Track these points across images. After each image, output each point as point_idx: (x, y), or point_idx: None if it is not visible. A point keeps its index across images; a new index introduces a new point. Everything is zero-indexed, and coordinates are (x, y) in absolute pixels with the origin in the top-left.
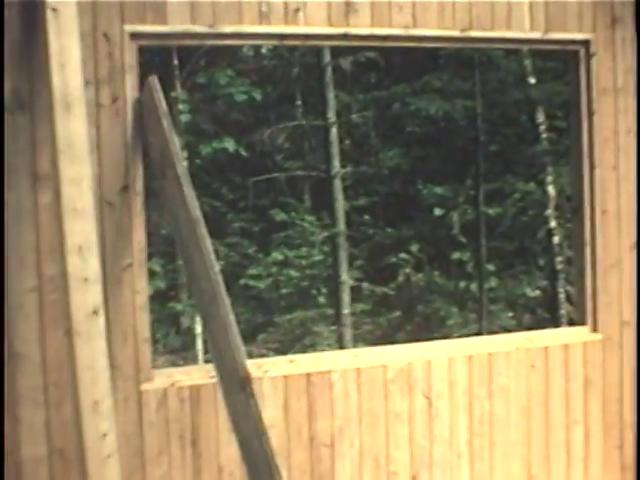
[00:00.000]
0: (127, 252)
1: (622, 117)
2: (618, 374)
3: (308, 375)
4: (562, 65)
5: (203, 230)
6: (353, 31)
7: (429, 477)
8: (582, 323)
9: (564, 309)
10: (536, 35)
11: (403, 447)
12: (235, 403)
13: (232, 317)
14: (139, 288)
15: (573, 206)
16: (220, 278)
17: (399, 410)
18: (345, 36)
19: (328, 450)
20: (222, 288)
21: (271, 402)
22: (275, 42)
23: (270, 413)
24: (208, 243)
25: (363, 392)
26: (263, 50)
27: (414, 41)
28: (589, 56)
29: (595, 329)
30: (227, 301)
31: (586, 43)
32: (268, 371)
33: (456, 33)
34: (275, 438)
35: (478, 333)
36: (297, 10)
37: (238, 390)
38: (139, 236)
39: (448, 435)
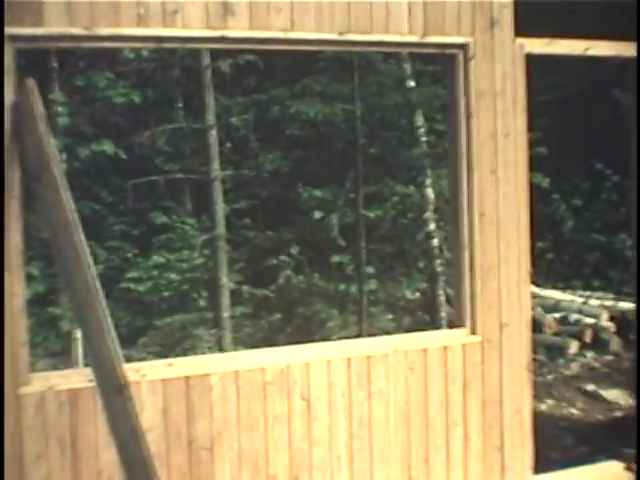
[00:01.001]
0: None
1: (500, 120)
2: (497, 376)
3: (187, 378)
4: (441, 68)
5: (79, 234)
6: (231, 34)
7: None
8: (461, 325)
9: (444, 311)
10: (414, 39)
11: (282, 450)
12: (112, 407)
13: (109, 321)
14: (16, 292)
15: (451, 209)
16: (97, 282)
17: (278, 413)
18: (223, 39)
19: (207, 453)
20: (99, 292)
21: (150, 405)
22: (153, 45)
23: (149, 416)
24: (84, 247)
25: (242, 395)
26: (144, 52)
27: (292, 44)
28: (467, 59)
29: (474, 331)
30: (104, 305)
31: (464, 47)
32: (146, 375)
33: (334, 36)
34: (154, 441)
35: (358, 335)
36: (175, 12)
37: (115, 394)
38: (15, 239)
39: (327, 437)
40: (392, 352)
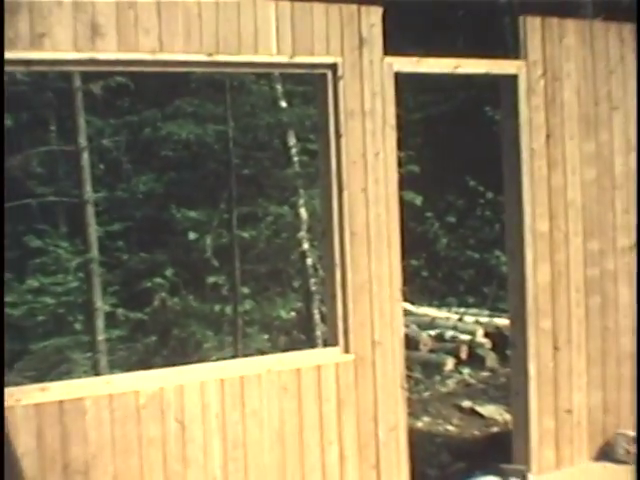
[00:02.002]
0: None
1: (370, 139)
2: (371, 394)
3: (60, 402)
4: (313, 88)
5: None
6: (99, 56)
7: None
8: (334, 344)
9: (319, 330)
10: (283, 59)
11: (157, 472)
12: None
13: None
14: None
15: (323, 228)
16: None
17: (152, 435)
18: (92, 61)
19: (82, 477)
20: None
21: (24, 430)
22: (22, 68)
23: (23, 441)
24: None
25: (116, 418)
26: (16, 75)
27: (161, 65)
28: (336, 79)
29: (347, 350)
30: None
31: (333, 66)
32: (20, 400)
33: (203, 57)
34: (29, 466)
35: (234, 356)
36: (43, 35)
37: None
38: None
39: (202, 459)
40: (265, 372)
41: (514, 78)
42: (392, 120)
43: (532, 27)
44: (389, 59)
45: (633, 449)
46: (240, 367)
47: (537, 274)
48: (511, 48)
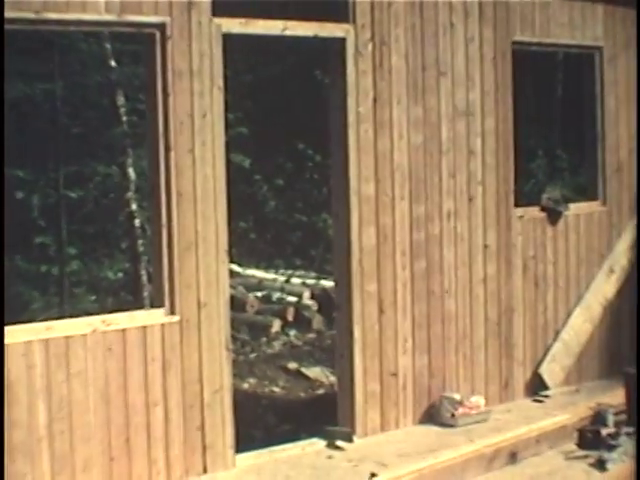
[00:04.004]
0: None
1: (197, 100)
2: (197, 355)
3: None
4: (143, 48)
5: None
6: None
7: (7, 462)
8: (160, 305)
9: (147, 291)
10: (111, 17)
11: None
12: None
13: None
14: None
15: (150, 188)
16: None
17: None
18: None
19: None
20: None
21: None
22: None
23: None
24: None
25: None
26: None
27: None
28: (165, 39)
29: (173, 311)
30: None
31: (162, 26)
32: None
33: (30, 15)
34: None
35: (60, 317)
36: None
37: None
38: None
39: (27, 420)
40: (90, 333)
41: (342, 41)
42: (220, 81)
43: None
44: (217, 20)
45: (458, 412)
46: (65, 327)
47: (362, 237)
48: (342, 12)
